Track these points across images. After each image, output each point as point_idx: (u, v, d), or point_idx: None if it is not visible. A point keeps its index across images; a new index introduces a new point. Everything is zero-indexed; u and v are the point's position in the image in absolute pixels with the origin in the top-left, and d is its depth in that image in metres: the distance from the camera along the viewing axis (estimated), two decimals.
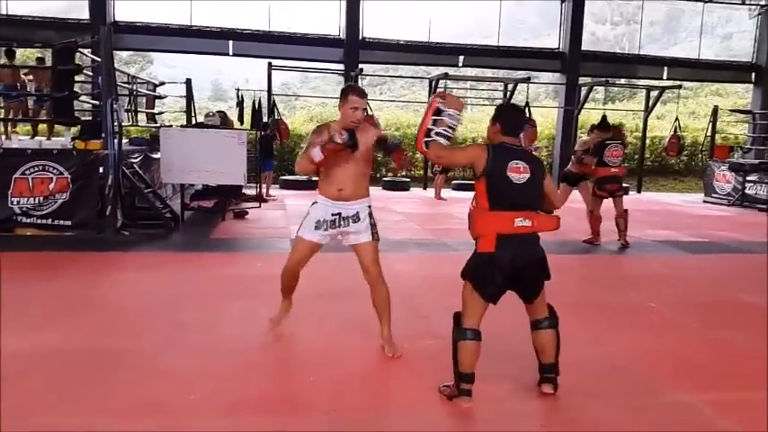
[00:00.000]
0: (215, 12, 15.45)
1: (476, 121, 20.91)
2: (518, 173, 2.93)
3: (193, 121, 11.41)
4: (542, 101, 24.22)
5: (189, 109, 11.54)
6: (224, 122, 10.34)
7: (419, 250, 7.05)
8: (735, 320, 4.70)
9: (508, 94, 15.69)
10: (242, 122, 13.80)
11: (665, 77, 17.95)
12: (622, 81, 20.59)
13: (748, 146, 15.92)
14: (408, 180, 15.25)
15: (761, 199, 13.01)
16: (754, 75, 18.62)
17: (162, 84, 12.46)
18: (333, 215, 3.57)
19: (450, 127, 3.07)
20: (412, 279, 5.77)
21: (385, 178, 16.31)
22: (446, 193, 13.43)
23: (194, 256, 6.59)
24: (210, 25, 15.38)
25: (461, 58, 16.55)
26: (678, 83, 16.56)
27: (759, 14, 18.41)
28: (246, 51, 15.69)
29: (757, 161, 14.24)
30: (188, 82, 11.61)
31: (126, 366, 3.42)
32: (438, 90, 3.26)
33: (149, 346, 3.73)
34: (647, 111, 16.46)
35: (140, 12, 15.00)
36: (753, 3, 18.19)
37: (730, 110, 18.00)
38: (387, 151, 3.62)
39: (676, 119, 15.68)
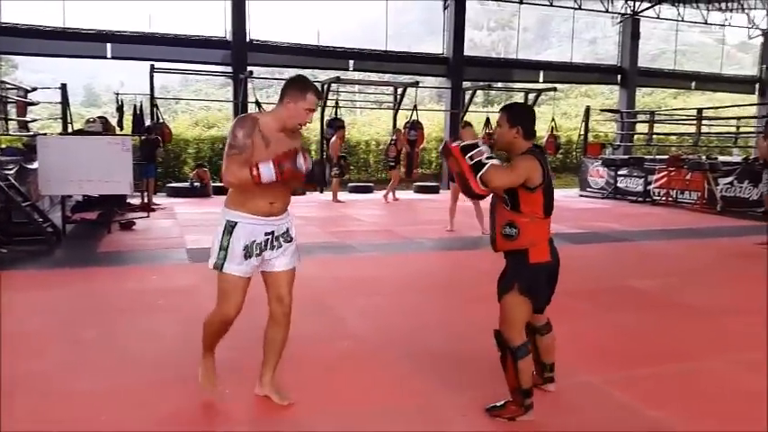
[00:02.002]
0: (91, 13, 14.57)
1: (366, 125, 21.15)
2: (551, 177, 2.95)
3: (69, 129, 10.71)
4: (427, 104, 24.89)
5: (65, 115, 10.82)
6: (105, 129, 9.83)
7: (324, 253, 7.03)
8: (625, 304, 5.08)
9: (398, 97, 16.00)
10: (122, 128, 13.17)
11: (540, 80, 19.04)
12: (500, 85, 21.62)
13: (618, 143, 17.22)
14: None
15: (631, 191, 14.15)
16: (619, 77, 20.20)
17: (34, 89, 11.59)
18: (266, 234, 2.90)
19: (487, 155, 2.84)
20: (322, 282, 5.75)
21: None
22: (343, 195, 13.48)
23: (83, 271, 6.19)
24: (86, 27, 14.48)
25: (351, 62, 16.70)
26: (553, 85, 17.64)
27: (620, 22, 20.00)
28: (126, 54, 14.94)
29: (626, 156, 15.45)
30: (63, 87, 10.90)
31: (28, 391, 3.16)
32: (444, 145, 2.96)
33: (50, 369, 3.47)
34: None
35: (4, 13, 13.84)
36: (615, 12, 19.73)
37: (601, 109, 19.40)
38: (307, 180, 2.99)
39: (552, 119, 16.66)
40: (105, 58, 14.75)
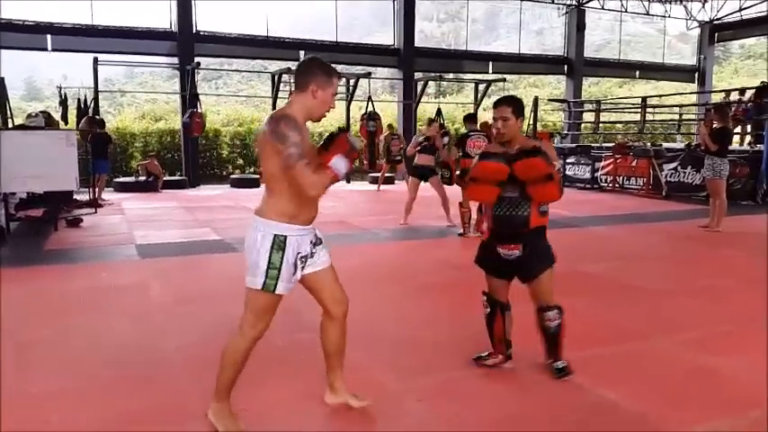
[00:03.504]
0: (28, 4, 13.99)
1: None
2: None
3: (9, 124, 10.30)
4: (380, 95, 24.90)
5: (4, 110, 10.39)
6: (48, 123, 9.51)
7: None
8: (575, 288, 5.19)
9: (350, 89, 15.95)
10: (66, 122, 12.75)
11: (490, 71, 19.25)
12: (451, 76, 21.77)
13: (566, 131, 17.58)
14: (258, 177, 14.98)
15: (579, 178, 14.48)
16: (566, 67, 20.59)
17: None
18: (311, 243, 2.69)
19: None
20: None
21: (233, 175, 15.91)
22: None
23: (29, 270, 5.98)
24: (25, 18, 13.91)
25: (302, 53, 16.54)
26: (502, 76, 17.87)
27: (566, 13, 20.37)
28: (68, 46, 14.44)
29: (574, 145, 15.81)
30: (0, 80, 10.46)
31: None
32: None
33: None
34: (477, 103, 17.55)
35: None
36: (560, 3, 20.08)
37: (549, 99, 19.76)
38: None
39: None
40: (45, 50, 14.23)
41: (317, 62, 2.61)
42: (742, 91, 14.49)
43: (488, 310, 3.37)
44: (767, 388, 3.11)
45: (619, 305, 4.76)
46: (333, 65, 2.66)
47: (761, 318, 4.43)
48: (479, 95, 17.52)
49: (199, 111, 13.76)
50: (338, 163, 2.48)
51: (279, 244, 2.53)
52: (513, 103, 3.21)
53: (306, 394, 3.12)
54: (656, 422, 2.82)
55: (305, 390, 3.17)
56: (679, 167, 12.26)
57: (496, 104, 3.25)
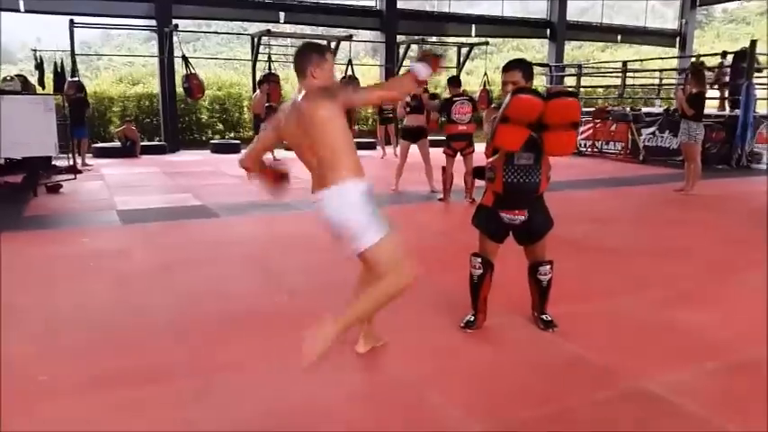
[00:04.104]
0: None
1: None
2: None
3: None
4: (362, 58, 24.63)
5: None
6: (25, 87, 9.38)
7: (262, 212, 7.04)
8: (551, 250, 5.30)
9: (332, 51, 15.79)
10: (44, 87, 12.54)
11: (473, 34, 19.13)
12: (434, 39, 21.59)
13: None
14: (239, 142, 14.90)
15: None
16: (549, 31, 20.50)
17: None
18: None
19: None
20: (260, 240, 5.83)
21: (213, 141, 15.83)
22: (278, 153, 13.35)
23: (9, 236, 5.96)
24: None
25: (282, 14, 16.29)
26: (485, 39, 17.77)
27: None
28: (42, 8, 14.06)
29: None
30: None
31: None
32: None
33: None
34: (459, 67, 17.49)
35: None
36: None
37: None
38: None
39: (485, 74, 16.84)
40: (18, 11, 13.87)
41: (307, 46, 2.81)
42: (723, 55, 14.54)
43: (481, 271, 3.46)
44: None
45: (592, 265, 4.91)
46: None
47: (725, 277, 4.63)
48: (462, 59, 17.44)
49: (194, 72, 13.59)
50: (419, 68, 2.71)
51: (366, 195, 2.69)
52: (522, 67, 3.22)
53: (286, 353, 3.22)
54: (621, 374, 2.97)
55: (286, 349, 3.27)
56: (657, 132, 12.40)
57: (506, 68, 3.22)
